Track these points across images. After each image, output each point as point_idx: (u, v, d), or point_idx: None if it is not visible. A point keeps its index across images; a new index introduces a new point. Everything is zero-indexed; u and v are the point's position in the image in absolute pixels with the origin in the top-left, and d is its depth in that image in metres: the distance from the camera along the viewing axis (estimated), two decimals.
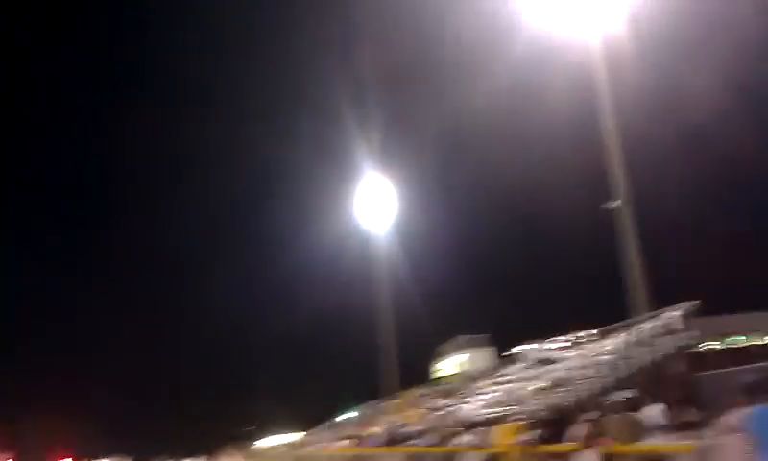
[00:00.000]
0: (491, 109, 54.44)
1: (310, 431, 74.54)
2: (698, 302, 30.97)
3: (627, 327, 33.01)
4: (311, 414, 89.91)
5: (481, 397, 35.36)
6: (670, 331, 30.79)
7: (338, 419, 69.01)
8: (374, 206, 62.23)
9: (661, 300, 32.29)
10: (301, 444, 60.05)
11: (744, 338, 52.01)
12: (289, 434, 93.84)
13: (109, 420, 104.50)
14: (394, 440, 26.38)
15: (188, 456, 73.91)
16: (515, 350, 43.67)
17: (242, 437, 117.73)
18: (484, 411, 29.11)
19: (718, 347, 49.18)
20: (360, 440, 32.93)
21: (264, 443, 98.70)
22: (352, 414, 66.72)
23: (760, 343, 51.27)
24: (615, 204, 32.99)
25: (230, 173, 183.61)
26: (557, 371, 31.53)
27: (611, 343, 32.28)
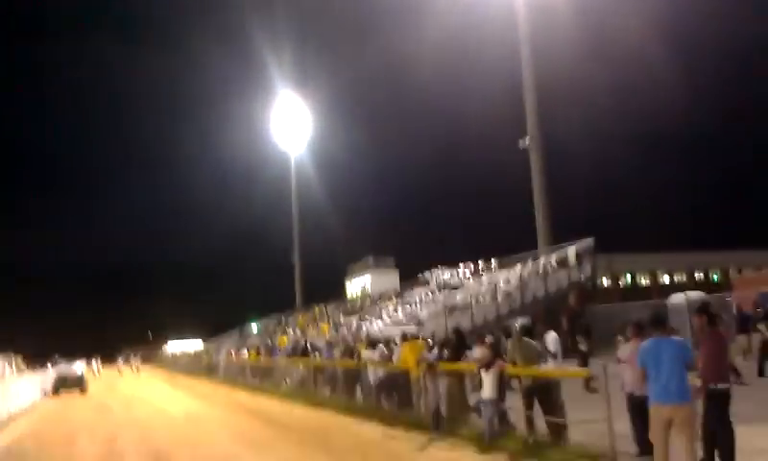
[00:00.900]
0: (415, 40, 53.97)
1: (212, 339, 74.56)
2: (593, 239, 32.77)
3: (526, 259, 34.62)
4: (214, 324, 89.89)
5: (385, 316, 36.38)
6: (566, 266, 32.55)
7: (243, 329, 69.29)
8: (290, 126, 61.38)
9: (562, 235, 33.90)
10: (205, 351, 60.11)
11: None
12: (191, 341, 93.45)
13: (2, 316, 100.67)
14: (299, 352, 26.91)
15: (83, 358, 72.49)
16: (419, 273, 44.97)
17: (141, 342, 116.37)
18: (387, 329, 30.05)
19: (611, 283, 52.57)
20: (267, 350, 33.36)
21: (167, 348, 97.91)
22: (257, 325, 67.15)
23: (651, 283, 55.07)
24: (527, 140, 33.94)
25: (148, 95, 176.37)
26: (458, 296, 32.82)
27: (510, 273, 33.78)
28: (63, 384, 33.18)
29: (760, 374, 16.30)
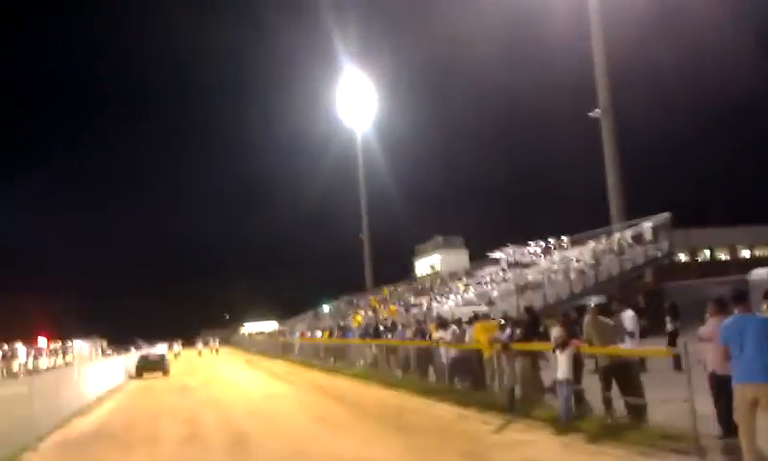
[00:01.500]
0: (482, 14, 53.11)
1: (286, 321, 76.10)
2: (670, 214, 31.77)
3: (599, 235, 33.88)
4: (287, 305, 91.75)
5: (455, 296, 36.32)
6: (641, 242, 31.70)
7: (315, 310, 70.46)
8: (355, 102, 61.63)
9: (637, 210, 33.00)
10: (279, 333, 61.48)
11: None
12: (266, 323, 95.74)
13: (88, 303, 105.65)
14: (371, 332, 27.20)
15: (163, 341, 75.37)
16: (489, 253, 44.60)
17: (218, 324, 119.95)
18: (458, 310, 30.01)
19: (689, 259, 50.88)
20: (339, 331, 33.86)
21: (241, 330, 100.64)
22: (329, 307, 68.12)
23: (731, 258, 53.01)
24: (597, 112, 33.10)
25: (208, 72, 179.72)
26: (529, 274, 32.44)
27: (583, 250, 33.13)
28: (146, 366, 34.41)
29: None
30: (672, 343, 16.94)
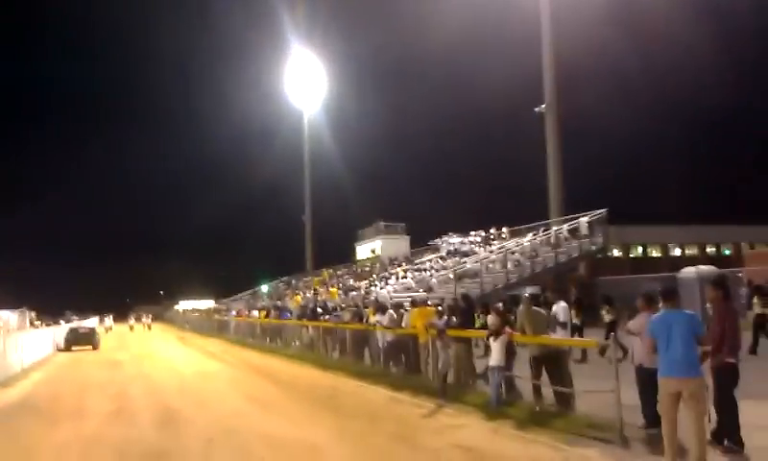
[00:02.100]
0: (433, 4, 53.14)
1: (224, 300, 75.19)
2: (606, 210, 32.56)
3: (538, 228, 34.50)
4: (226, 284, 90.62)
5: (395, 281, 36.46)
6: (577, 236, 32.41)
7: (254, 290, 69.80)
8: (304, 83, 61.06)
9: (575, 205, 33.71)
10: (215, 310, 60.64)
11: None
12: (200, 301, 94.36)
13: (18, 274, 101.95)
14: (309, 314, 27.04)
15: (95, 314, 73.50)
16: (430, 240, 44.95)
17: (152, 300, 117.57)
18: (396, 294, 30.13)
19: (622, 254, 52.35)
20: (276, 311, 33.57)
21: (177, 307, 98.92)
22: (268, 287, 67.58)
23: (663, 255, 54.77)
24: (543, 106, 33.57)
25: (155, 53, 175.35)
26: (468, 263, 32.80)
27: (521, 242, 33.68)
28: (76, 340, 33.57)
29: (752, 351, 15.66)
30: (610, 334, 17.39)
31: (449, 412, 11.21)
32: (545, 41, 33.71)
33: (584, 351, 16.22)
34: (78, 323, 44.02)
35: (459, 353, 12.97)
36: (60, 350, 32.65)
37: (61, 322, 50.54)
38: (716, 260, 40.67)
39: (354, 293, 37.06)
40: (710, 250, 56.01)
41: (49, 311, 79.97)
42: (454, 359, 12.95)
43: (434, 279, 31.96)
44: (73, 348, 32.80)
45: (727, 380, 7.58)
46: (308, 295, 43.16)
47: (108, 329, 59.30)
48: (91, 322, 48.46)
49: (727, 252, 56.11)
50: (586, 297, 21.68)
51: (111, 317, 70.68)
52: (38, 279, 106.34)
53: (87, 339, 33.89)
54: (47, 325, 49.48)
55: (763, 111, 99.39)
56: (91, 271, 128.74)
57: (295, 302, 39.01)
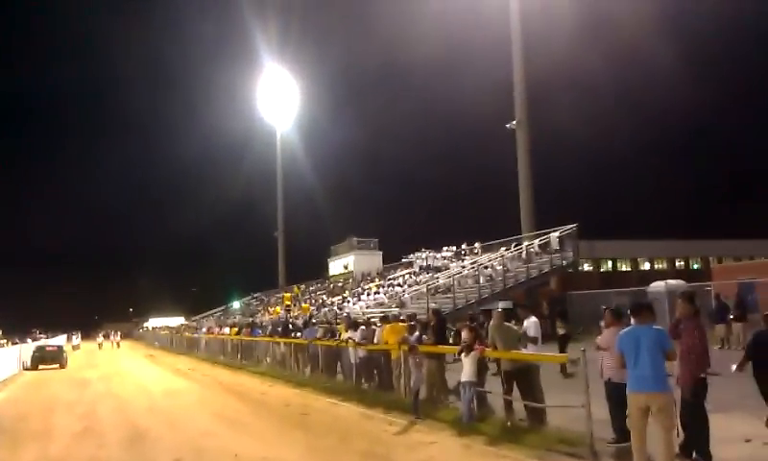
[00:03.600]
0: (407, 20, 53.61)
1: (194, 317, 74.36)
2: (576, 225, 32.89)
3: (509, 243, 34.72)
4: (197, 301, 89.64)
5: (367, 297, 36.38)
6: (548, 250, 32.67)
7: (225, 307, 69.13)
8: (277, 100, 61.00)
9: (546, 221, 34.00)
10: (185, 328, 59.91)
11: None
12: (171, 318, 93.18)
13: None
14: (280, 330, 26.83)
15: (63, 332, 72.20)
16: (403, 255, 45.00)
17: (121, 318, 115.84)
18: (368, 310, 30.05)
19: (592, 269, 52.88)
20: (247, 328, 33.24)
21: (147, 324, 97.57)
22: (239, 304, 66.99)
23: (632, 269, 55.44)
24: (514, 123, 33.89)
25: (127, 67, 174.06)
26: (441, 278, 32.87)
27: (493, 257, 33.85)
28: (43, 358, 32.91)
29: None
30: (563, 347, 17.57)
31: (421, 428, 11.15)
32: (516, 58, 34.09)
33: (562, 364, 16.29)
34: (45, 341, 43.19)
35: (431, 369, 12.92)
36: (26, 368, 31.97)
37: (28, 340, 49.47)
38: (685, 274, 41.24)
39: (327, 309, 36.88)
40: (679, 264, 56.85)
41: (15, 329, 78.46)
42: (427, 375, 12.90)
43: (407, 295, 31.96)
44: (40, 366, 32.13)
45: (697, 394, 7.65)
46: (281, 311, 42.84)
47: (75, 348, 58.20)
48: (59, 340, 47.58)
49: (695, 266, 57.00)
50: (556, 311, 21.83)
51: (79, 335, 69.44)
52: (4, 295, 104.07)
53: (55, 357, 33.26)
54: (13, 343, 48.41)
55: (734, 128, 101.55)
56: (59, 288, 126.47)
57: (275, 313, 38.74)
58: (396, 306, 29.06)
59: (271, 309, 47.17)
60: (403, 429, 11.25)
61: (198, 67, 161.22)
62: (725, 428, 8.45)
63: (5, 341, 60.24)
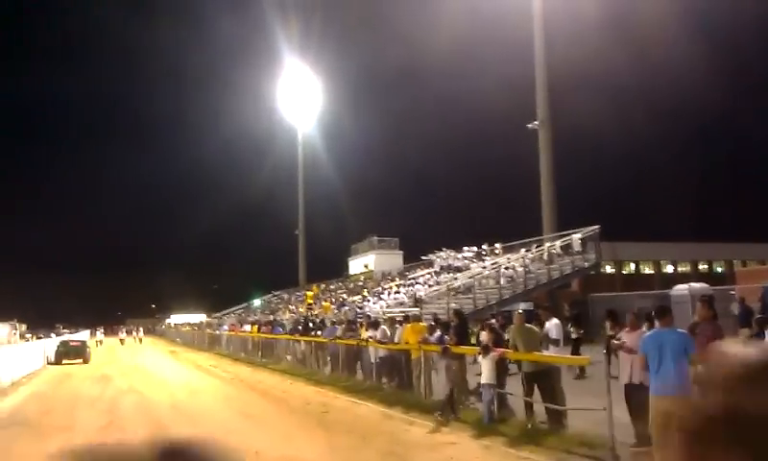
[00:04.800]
0: (429, 18, 53.55)
1: (216, 314, 74.84)
2: (599, 226, 32.64)
3: (531, 244, 34.54)
4: (218, 299, 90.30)
5: (387, 296, 36.39)
6: (570, 252, 32.46)
7: (246, 305, 69.48)
8: (299, 99, 61.18)
9: (569, 221, 33.80)
10: (206, 325, 60.35)
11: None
12: (192, 314, 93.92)
13: (8, 286, 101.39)
14: (301, 329, 26.97)
15: (86, 327, 73.06)
16: (423, 255, 44.91)
17: (144, 314, 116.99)
18: (389, 310, 30.06)
19: (614, 271, 52.46)
20: (268, 325, 33.44)
21: (169, 321, 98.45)
22: (260, 301, 67.30)
23: (655, 272, 54.93)
24: (536, 122, 33.71)
25: (154, 66, 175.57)
26: (461, 278, 32.79)
27: (514, 257, 33.70)
28: (66, 353, 33.30)
29: None
30: (576, 351, 17.49)
31: (442, 429, 11.17)
32: (538, 58, 33.90)
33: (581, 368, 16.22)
34: (69, 336, 43.71)
35: (455, 370, 12.91)
36: (50, 363, 32.38)
37: (52, 335, 50.16)
38: (709, 277, 40.77)
39: (347, 308, 36.95)
40: (703, 267, 56.19)
41: (40, 324, 79.60)
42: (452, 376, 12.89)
43: (426, 295, 31.91)
44: (63, 361, 32.51)
45: None
46: (301, 309, 43.02)
47: (99, 343, 58.89)
48: (82, 335, 48.10)
49: (719, 269, 56.30)
50: (579, 313, 21.72)
51: (102, 330, 70.24)
52: (29, 291, 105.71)
53: (78, 352, 33.63)
54: (38, 337, 49.13)
55: (760, 130, 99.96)
56: (83, 284, 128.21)
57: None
58: (416, 306, 29.02)
59: (292, 307, 47.39)
60: (423, 429, 11.28)
61: (219, 67, 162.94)
62: None
63: (30, 336, 61.13)
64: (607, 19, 43.05)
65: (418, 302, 30.12)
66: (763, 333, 11.11)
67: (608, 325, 17.96)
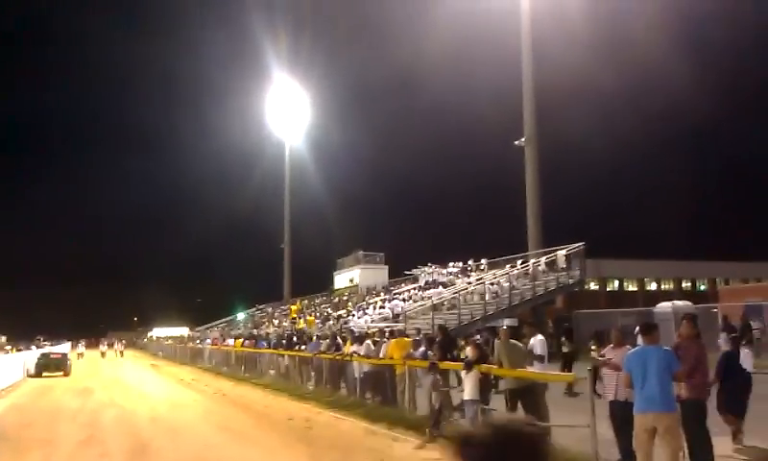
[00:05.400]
0: (416, 33, 53.84)
1: (199, 327, 74.32)
2: (583, 243, 32.81)
3: (515, 260, 34.63)
4: (201, 312, 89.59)
5: (372, 311, 36.25)
6: (554, 269, 32.57)
7: (230, 318, 69.07)
8: (286, 113, 61.19)
9: (553, 238, 33.94)
10: (189, 338, 59.86)
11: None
12: (175, 328, 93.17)
13: None
14: (285, 343, 26.75)
15: (67, 340, 72.15)
16: (408, 270, 44.91)
17: (125, 327, 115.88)
18: (373, 324, 29.92)
19: (598, 288, 52.65)
20: (251, 339, 33.18)
21: (151, 334, 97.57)
22: (244, 315, 66.92)
23: (639, 289, 55.20)
24: (523, 140, 33.88)
25: (142, 80, 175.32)
26: (446, 294, 32.76)
27: (499, 273, 33.74)
28: (46, 365, 32.89)
29: None
30: (568, 365, 17.49)
31: (427, 445, 11.08)
32: (525, 76, 34.14)
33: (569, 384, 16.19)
34: (49, 348, 43.17)
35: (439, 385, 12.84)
36: (30, 375, 31.93)
37: (32, 347, 49.46)
38: (692, 295, 41.02)
39: (331, 322, 36.78)
40: (686, 285, 56.58)
41: (20, 336, 78.52)
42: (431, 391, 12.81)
43: (411, 310, 31.82)
44: (44, 374, 32.10)
45: (697, 415, 7.60)
46: (285, 323, 42.79)
47: (80, 355, 58.18)
48: (63, 347, 47.53)
49: (702, 287, 56.72)
50: (559, 329, 21.74)
51: (84, 343, 69.41)
52: (10, 302, 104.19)
53: (59, 365, 33.23)
54: (18, 349, 48.43)
55: (747, 150, 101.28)
56: (64, 296, 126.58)
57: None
58: (401, 321, 28.92)
59: (275, 321, 47.11)
60: (408, 445, 11.18)
61: (206, 81, 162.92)
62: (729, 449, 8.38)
63: (10, 348, 60.28)
64: (592, 34, 43.49)
65: (396, 317, 30.05)
66: (738, 351, 11.14)
67: (592, 345, 18.09)
